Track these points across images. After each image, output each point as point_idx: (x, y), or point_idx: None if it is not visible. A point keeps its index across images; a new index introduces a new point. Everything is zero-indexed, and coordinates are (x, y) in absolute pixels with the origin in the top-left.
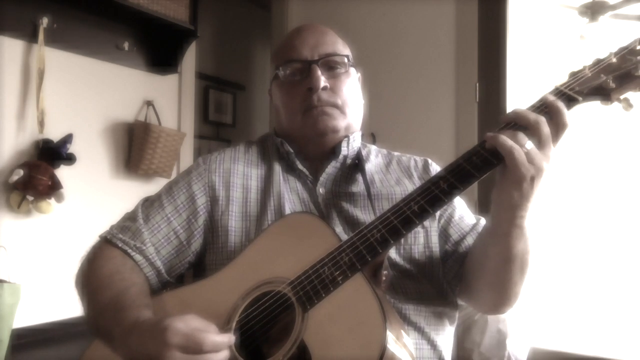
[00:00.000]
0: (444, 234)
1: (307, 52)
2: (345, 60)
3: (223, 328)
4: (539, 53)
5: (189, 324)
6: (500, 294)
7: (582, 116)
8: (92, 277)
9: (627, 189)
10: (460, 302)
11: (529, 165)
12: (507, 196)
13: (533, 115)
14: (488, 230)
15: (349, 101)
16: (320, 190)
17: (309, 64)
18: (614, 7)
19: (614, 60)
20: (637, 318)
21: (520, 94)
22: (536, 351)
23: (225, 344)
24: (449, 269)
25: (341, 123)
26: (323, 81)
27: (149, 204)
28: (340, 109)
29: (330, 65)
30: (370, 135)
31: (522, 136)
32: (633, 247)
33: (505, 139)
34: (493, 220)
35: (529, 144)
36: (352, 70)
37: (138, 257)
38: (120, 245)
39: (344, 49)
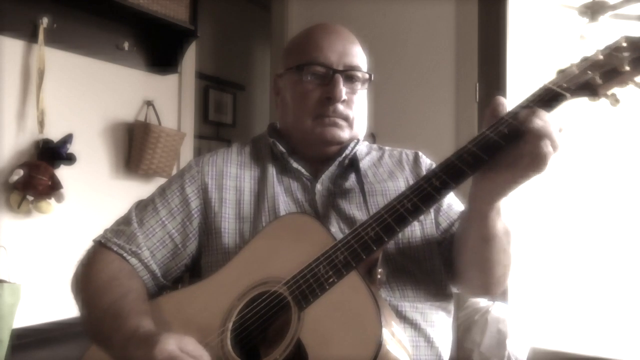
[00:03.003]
0: (434, 223)
1: (334, 58)
2: (367, 76)
3: (220, 329)
4: (539, 53)
5: (181, 346)
6: (485, 274)
7: (578, 113)
8: (89, 282)
9: (626, 189)
10: (452, 289)
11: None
12: (504, 184)
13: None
14: (467, 214)
15: (358, 115)
16: (318, 186)
17: (334, 73)
18: (614, 7)
19: (601, 57)
20: (637, 318)
21: (520, 94)
22: (536, 351)
23: None
24: (441, 256)
25: (347, 135)
26: (344, 94)
27: (142, 208)
28: (349, 122)
29: (351, 77)
30: (370, 135)
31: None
32: (633, 247)
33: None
34: (472, 204)
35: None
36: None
37: (134, 260)
38: (115, 249)
39: (364, 63)
